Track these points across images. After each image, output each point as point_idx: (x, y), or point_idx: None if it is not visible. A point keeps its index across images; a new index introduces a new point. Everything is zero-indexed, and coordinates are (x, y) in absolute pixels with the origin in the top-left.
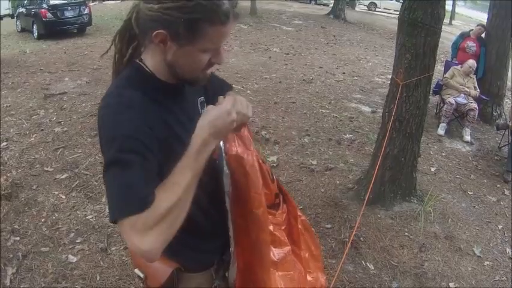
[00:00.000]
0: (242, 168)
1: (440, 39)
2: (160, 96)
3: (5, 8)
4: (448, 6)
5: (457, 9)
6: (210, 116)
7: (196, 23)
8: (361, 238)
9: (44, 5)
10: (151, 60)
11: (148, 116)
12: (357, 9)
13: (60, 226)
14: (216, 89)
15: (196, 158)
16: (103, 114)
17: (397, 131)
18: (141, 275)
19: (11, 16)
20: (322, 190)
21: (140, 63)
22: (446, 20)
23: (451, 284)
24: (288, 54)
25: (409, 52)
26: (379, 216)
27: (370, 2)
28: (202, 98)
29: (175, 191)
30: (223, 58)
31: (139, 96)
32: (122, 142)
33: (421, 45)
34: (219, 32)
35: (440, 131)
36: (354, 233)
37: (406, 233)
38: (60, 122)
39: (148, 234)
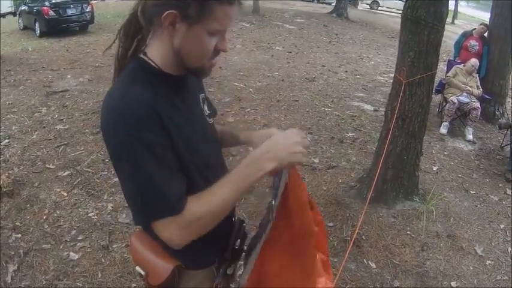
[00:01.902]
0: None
1: (443, 39)
2: (166, 90)
3: (8, 6)
4: (451, 6)
5: (459, 9)
6: (275, 144)
7: (206, 1)
8: (363, 237)
9: (46, 3)
10: (156, 51)
11: (156, 112)
12: (359, 7)
13: (61, 223)
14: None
15: (245, 178)
16: (110, 119)
17: (400, 129)
18: (142, 273)
19: (13, 14)
20: (325, 188)
21: (144, 57)
22: (448, 19)
23: (452, 283)
24: (290, 52)
25: (412, 50)
26: (381, 214)
27: (373, 1)
28: (203, 95)
29: (212, 202)
30: (227, 45)
31: (145, 92)
32: (138, 148)
33: (424, 44)
34: (226, 13)
35: (443, 130)
36: (356, 231)
37: (408, 232)
38: (62, 119)
39: (177, 235)
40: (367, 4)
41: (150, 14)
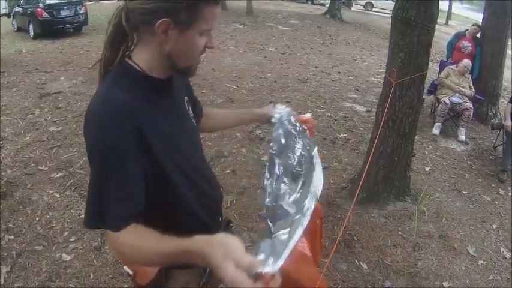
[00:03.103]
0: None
1: (436, 40)
2: (150, 94)
3: (2, 7)
4: (445, 7)
5: (453, 10)
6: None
7: (196, 5)
8: (355, 237)
9: (40, 5)
10: (142, 56)
11: (136, 120)
12: (353, 9)
13: (54, 225)
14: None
15: (180, 256)
16: (89, 120)
17: (391, 130)
18: (130, 272)
19: (8, 15)
20: None
21: (129, 61)
22: (442, 20)
23: (444, 283)
24: (283, 53)
25: (403, 51)
26: (372, 215)
27: (367, 2)
28: (187, 98)
29: (143, 249)
30: (214, 42)
31: (128, 98)
32: (106, 155)
33: (414, 44)
34: (213, 13)
35: (435, 130)
36: (342, 229)
37: (399, 232)
38: (55, 121)
39: (110, 247)
40: (361, 5)
41: (136, 22)
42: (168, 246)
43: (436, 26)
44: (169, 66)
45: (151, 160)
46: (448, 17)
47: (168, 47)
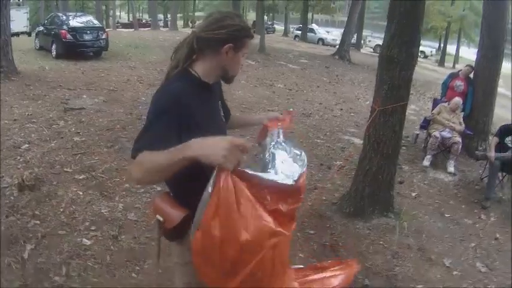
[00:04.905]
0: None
1: (439, 82)
2: (200, 91)
3: (23, 25)
4: (452, 51)
5: (461, 53)
6: (207, 141)
7: (246, 37)
8: (340, 243)
9: (65, 27)
10: (201, 67)
11: (183, 103)
12: (362, 51)
13: (76, 216)
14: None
15: (174, 154)
16: (155, 97)
17: (375, 151)
18: (161, 219)
19: (28, 34)
20: (310, 203)
21: (190, 69)
22: (450, 64)
23: (418, 286)
24: (291, 90)
25: (386, 84)
26: (357, 226)
27: (376, 45)
28: (220, 102)
29: (150, 159)
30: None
31: (182, 87)
32: (158, 115)
33: (396, 78)
34: (250, 43)
35: (426, 162)
36: (327, 234)
37: (381, 242)
38: (79, 132)
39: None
40: (371, 47)
41: (203, 44)
42: (166, 157)
43: (443, 70)
44: (221, 75)
45: (185, 133)
46: (456, 61)
47: (225, 62)
